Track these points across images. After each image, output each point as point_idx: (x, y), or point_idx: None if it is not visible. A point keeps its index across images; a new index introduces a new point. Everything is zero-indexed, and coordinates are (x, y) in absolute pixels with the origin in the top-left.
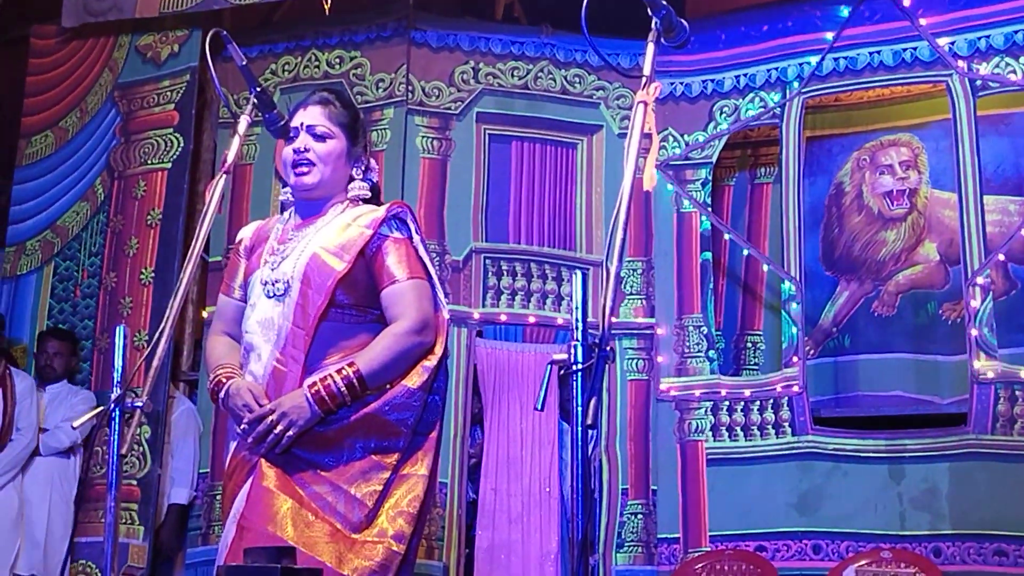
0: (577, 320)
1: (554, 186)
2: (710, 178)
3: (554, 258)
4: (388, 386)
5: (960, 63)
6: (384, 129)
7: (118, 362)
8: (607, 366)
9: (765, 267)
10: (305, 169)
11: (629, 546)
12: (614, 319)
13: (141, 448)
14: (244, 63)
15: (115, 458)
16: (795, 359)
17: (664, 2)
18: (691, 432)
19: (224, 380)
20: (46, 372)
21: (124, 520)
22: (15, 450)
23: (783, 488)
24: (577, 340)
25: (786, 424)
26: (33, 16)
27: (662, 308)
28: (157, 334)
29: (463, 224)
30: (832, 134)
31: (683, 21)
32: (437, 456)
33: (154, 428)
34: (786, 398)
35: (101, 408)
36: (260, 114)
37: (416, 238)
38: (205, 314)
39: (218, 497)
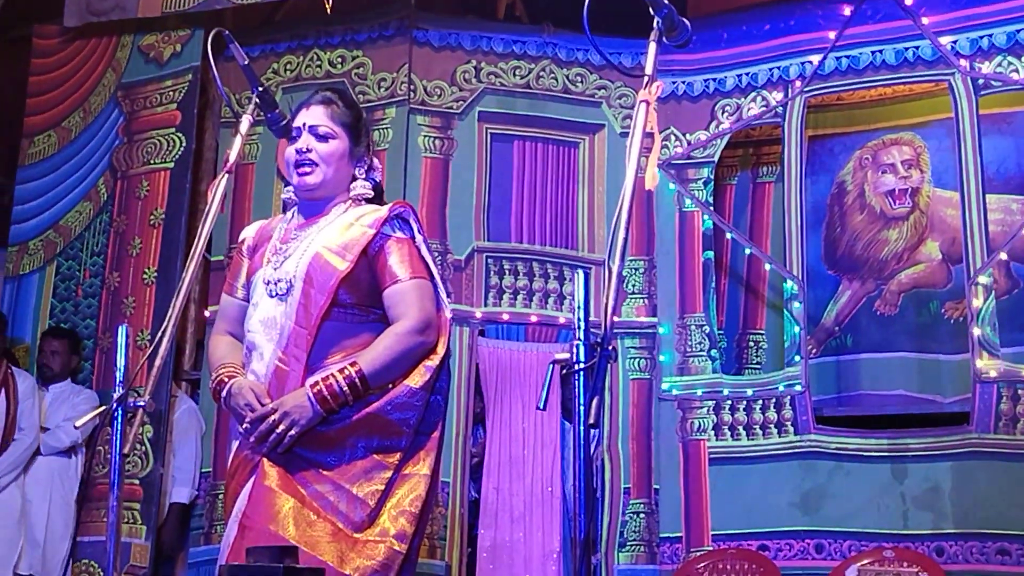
0: (579, 319)
1: (556, 185)
2: (712, 177)
3: (556, 257)
4: (390, 385)
5: (962, 62)
6: (386, 128)
7: (120, 361)
8: (609, 365)
9: (767, 266)
10: (308, 169)
11: (631, 545)
12: (616, 318)
13: (143, 447)
14: (246, 63)
15: (117, 457)
16: (797, 358)
17: (666, 1)
18: (693, 431)
19: (226, 379)
20: (43, 371)
21: (126, 519)
22: (18, 450)
23: (785, 487)
24: (579, 339)
25: (788, 423)
26: (35, 16)
27: (664, 307)
28: (159, 333)
29: (465, 223)
30: (834, 133)
31: (685, 20)
32: (439, 456)
33: (156, 427)
34: (788, 397)
35: (104, 407)
36: (262, 113)
37: (419, 238)
38: (207, 313)
39: (220, 496)
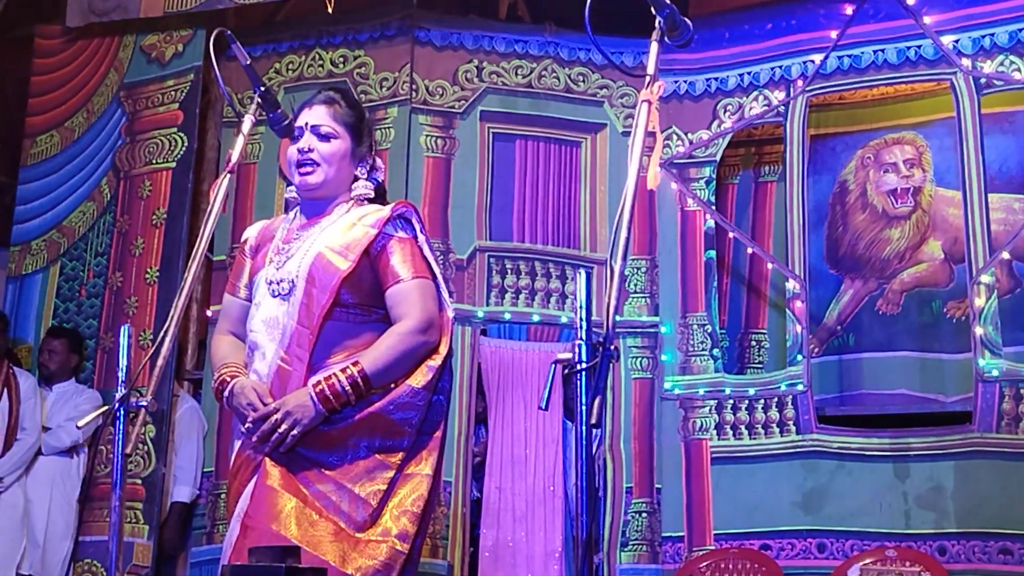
0: (581, 319)
1: (558, 185)
2: (714, 176)
3: (558, 257)
4: (392, 385)
5: (964, 61)
6: (388, 128)
7: (123, 361)
8: (611, 365)
9: (769, 265)
10: (309, 169)
11: (633, 545)
12: (618, 317)
13: (145, 447)
14: (248, 62)
15: (120, 457)
16: (799, 357)
17: (668, 0)
18: (695, 431)
19: (228, 379)
20: (41, 370)
21: (129, 519)
22: (21, 450)
23: (788, 487)
24: (581, 339)
25: (790, 423)
26: (38, 16)
27: (666, 306)
28: (162, 333)
29: (467, 223)
30: (836, 132)
31: (687, 19)
32: (441, 455)
33: (158, 427)
34: (790, 396)
35: (106, 407)
36: (264, 113)
37: (421, 237)
38: (209, 313)
39: (222, 496)
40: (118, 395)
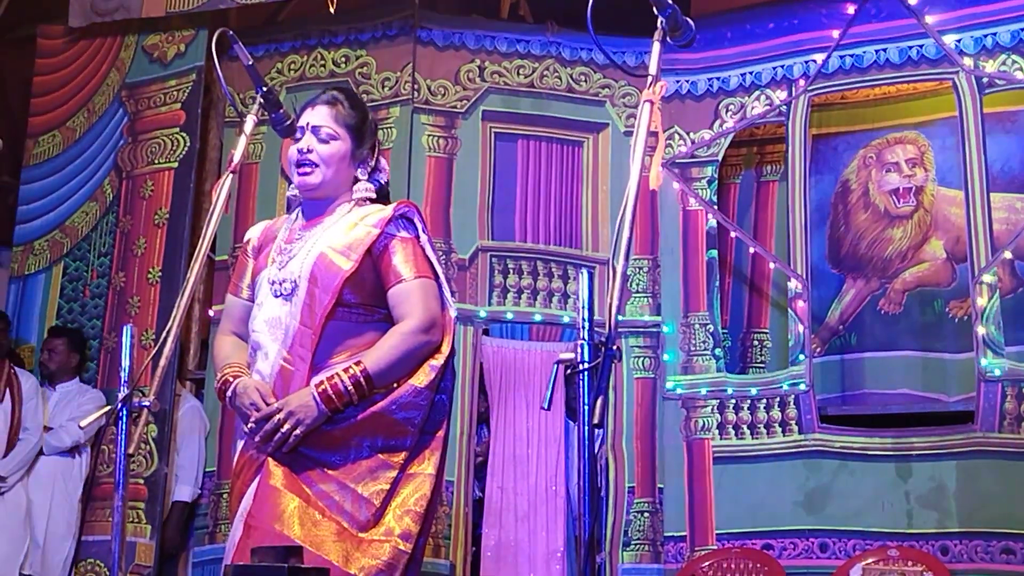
0: (583, 319)
1: (560, 184)
2: (716, 176)
3: (560, 256)
4: (395, 385)
5: (966, 60)
6: (390, 128)
7: (125, 361)
8: (613, 365)
9: (771, 265)
10: (308, 170)
11: (635, 544)
12: (620, 317)
13: (148, 447)
14: (250, 62)
15: (122, 457)
16: (802, 357)
17: (670, 0)
18: (697, 430)
19: (231, 379)
20: (43, 370)
21: (131, 519)
22: (24, 450)
23: (790, 486)
24: (584, 339)
25: (793, 422)
26: (40, 16)
27: (668, 306)
28: (164, 333)
29: (469, 222)
30: (838, 132)
31: (689, 19)
32: (444, 455)
33: (161, 427)
34: (793, 396)
35: (109, 407)
36: (266, 113)
37: (423, 237)
38: (212, 313)
39: (225, 496)
40: (120, 395)
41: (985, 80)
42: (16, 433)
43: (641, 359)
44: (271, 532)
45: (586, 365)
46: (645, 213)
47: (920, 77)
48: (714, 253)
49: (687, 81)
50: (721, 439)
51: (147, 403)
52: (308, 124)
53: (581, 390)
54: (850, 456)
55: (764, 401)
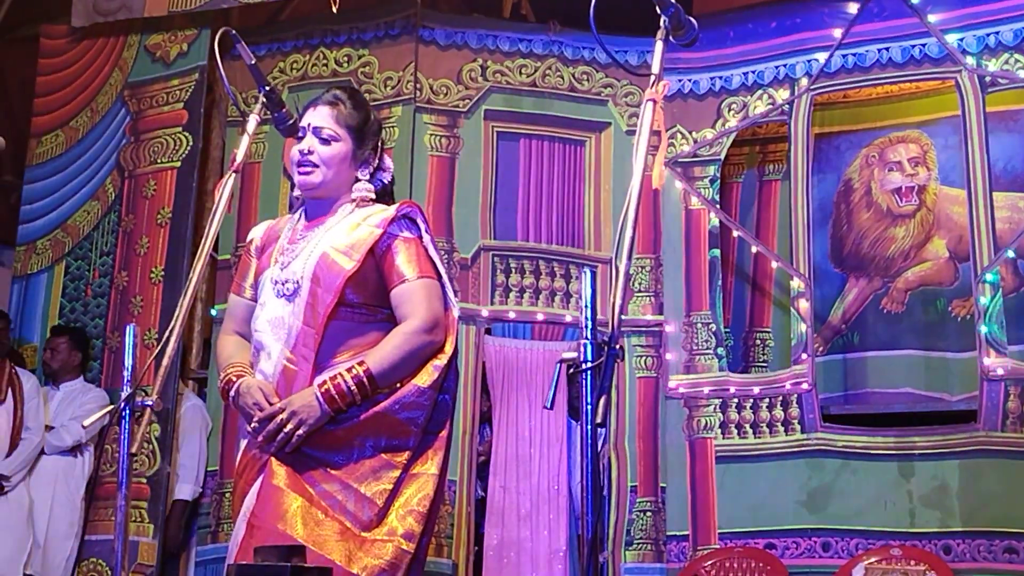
0: (586, 318)
1: (562, 183)
2: (718, 175)
3: (562, 256)
4: (398, 385)
5: (969, 59)
6: (392, 127)
7: (128, 361)
8: (616, 364)
9: (774, 264)
10: (308, 170)
11: (638, 544)
12: (622, 316)
13: (150, 446)
14: (253, 62)
15: (125, 456)
16: (804, 356)
17: None
18: (700, 429)
19: (234, 378)
20: (46, 369)
21: (134, 518)
22: (26, 450)
23: (792, 485)
24: (586, 338)
25: (795, 421)
26: (43, 16)
27: (671, 305)
28: (167, 332)
29: (471, 222)
30: (841, 131)
31: (691, 18)
32: (447, 455)
33: (163, 426)
34: (795, 395)
35: (112, 407)
36: (269, 112)
37: (426, 237)
38: (214, 312)
39: (227, 495)
40: (123, 394)
41: (988, 79)
42: (18, 433)
43: (643, 358)
44: (274, 532)
45: (589, 364)
46: (647, 212)
47: (923, 76)
48: (716, 252)
49: (689, 80)
50: (723, 438)
51: (150, 402)
52: (310, 125)
53: (584, 389)
54: (853, 455)
55: (766, 400)
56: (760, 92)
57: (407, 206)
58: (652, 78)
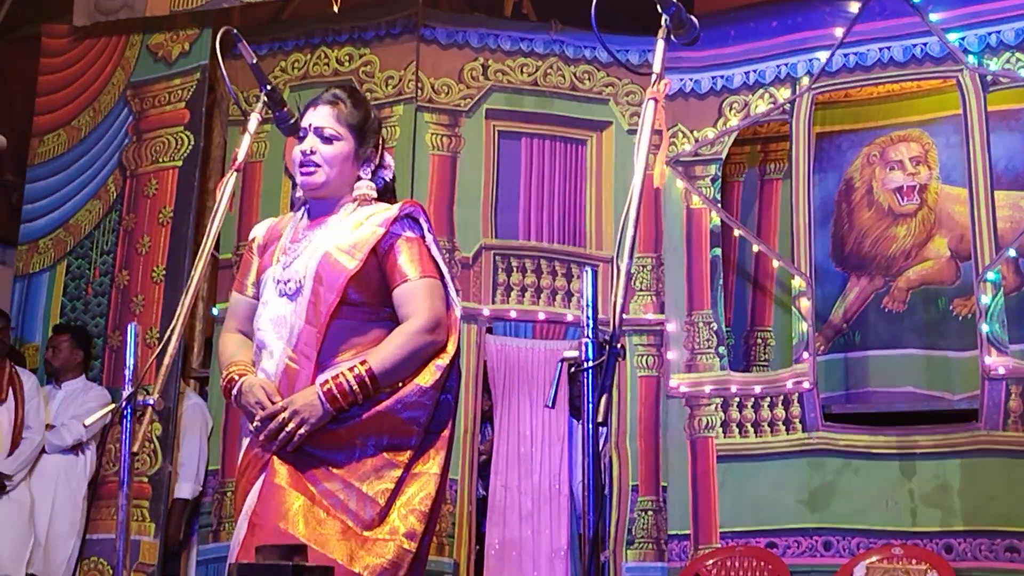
0: (587, 317)
1: (563, 182)
2: (720, 174)
3: (564, 255)
4: (400, 384)
5: (970, 58)
6: (394, 126)
7: (130, 360)
8: (617, 363)
9: (775, 263)
10: (311, 170)
11: (639, 543)
12: (624, 315)
13: (152, 445)
14: (254, 61)
15: (127, 455)
16: (805, 355)
17: None
18: (701, 429)
19: (236, 377)
20: (47, 367)
21: (135, 517)
22: (28, 449)
23: (794, 484)
24: (588, 337)
25: (796, 420)
26: (45, 15)
27: (672, 304)
28: (168, 331)
29: (473, 221)
30: (842, 130)
31: (692, 17)
32: (449, 454)
33: (165, 425)
34: (796, 394)
35: (113, 406)
36: (270, 112)
37: (428, 237)
38: (216, 311)
39: (229, 494)
40: (125, 393)
41: (989, 78)
42: (19, 432)
43: (645, 357)
44: (275, 530)
45: (590, 363)
46: (649, 211)
47: (924, 75)
48: (718, 251)
49: (691, 79)
50: (725, 437)
51: (151, 401)
52: (311, 125)
53: (585, 388)
54: (854, 454)
55: (768, 399)
56: (761, 91)
57: (410, 206)
58: (653, 77)
